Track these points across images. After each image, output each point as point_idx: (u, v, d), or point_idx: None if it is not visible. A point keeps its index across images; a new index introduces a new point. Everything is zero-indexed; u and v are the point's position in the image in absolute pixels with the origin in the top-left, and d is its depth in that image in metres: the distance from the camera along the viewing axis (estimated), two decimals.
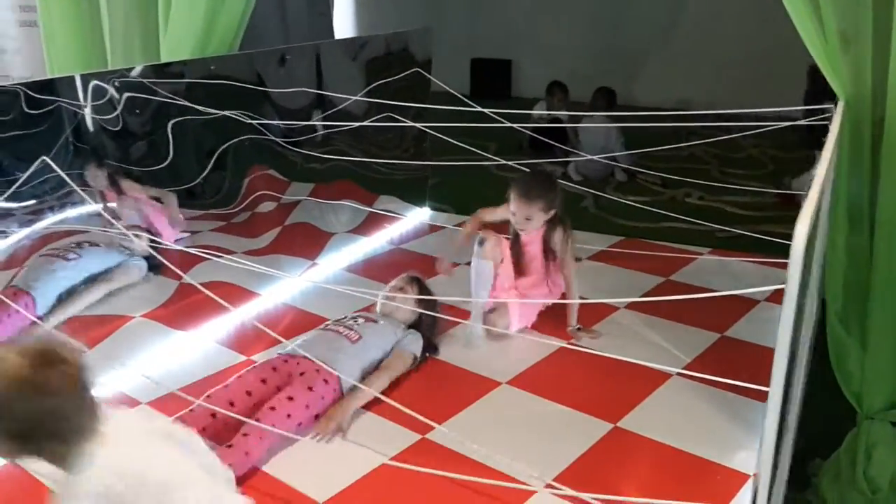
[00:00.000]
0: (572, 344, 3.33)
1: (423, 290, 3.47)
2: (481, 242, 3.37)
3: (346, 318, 3.23)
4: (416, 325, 3.32)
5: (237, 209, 5.04)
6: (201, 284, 3.80)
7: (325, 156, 4.43)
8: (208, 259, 3.64)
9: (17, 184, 2.95)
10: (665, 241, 4.59)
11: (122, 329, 3.62)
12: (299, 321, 3.65)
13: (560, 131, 6.51)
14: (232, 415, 2.68)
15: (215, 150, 4.06)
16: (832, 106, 2.85)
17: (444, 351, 3.36)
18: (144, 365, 3.32)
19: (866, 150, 2.72)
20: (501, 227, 3.62)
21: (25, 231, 3.98)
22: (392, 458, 2.63)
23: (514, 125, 4.91)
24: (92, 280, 3.59)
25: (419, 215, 5.09)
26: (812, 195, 1.53)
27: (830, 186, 2.44)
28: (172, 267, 3.44)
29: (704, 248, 4.45)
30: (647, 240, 4.65)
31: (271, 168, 5.60)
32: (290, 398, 2.72)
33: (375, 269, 4.30)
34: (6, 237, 3.69)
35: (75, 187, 3.03)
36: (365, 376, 2.98)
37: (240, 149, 4.77)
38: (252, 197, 5.13)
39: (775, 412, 1.44)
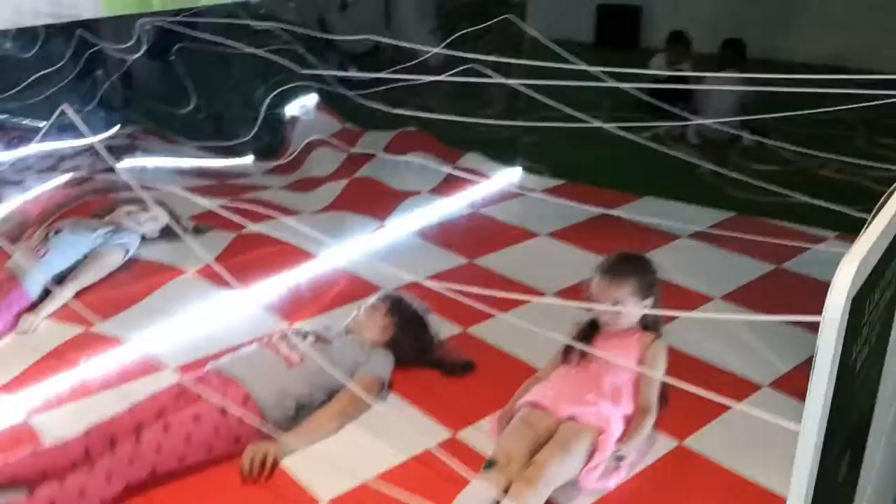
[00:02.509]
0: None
1: (404, 310, 2.91)
2: (489, 465, 2.22)
3: (297, 331, 2.78)
4: (394, 343, 2.83)
5: (299, 161, 4.87)
6: (257, 242, 3.66)
7: (403, 111, 4.07)
8: (267, 217, 3.47)
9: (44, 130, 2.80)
10: (786, 221, 3.98)
11: (172, 283, 3.50)
12: (351, 290, 3.39)
13: (681, 87, 5.84)
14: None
15: (275, 99, 3.83)
16: None
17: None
18: (186, 324, 3.17)
19: None
20: None
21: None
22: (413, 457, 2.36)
23: (620, 84, 4.36)
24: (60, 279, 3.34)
25: (508, 176, 4.67)
26: None
27: None
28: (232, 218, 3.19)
29: (831, 233, 3.80)
30: (764, 218, 4.05)
31: (340, 118, 5.42)
32: (197, 418, 2.38)
33: (450, 236, 3.96)
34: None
35: (94, 141, 2.84)
36: (307, 407, 2.55)
37: (299, 97, 4.67)
38: (318, 149, 4.94)
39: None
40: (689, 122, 5.59)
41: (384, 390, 2.68)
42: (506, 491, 2.09)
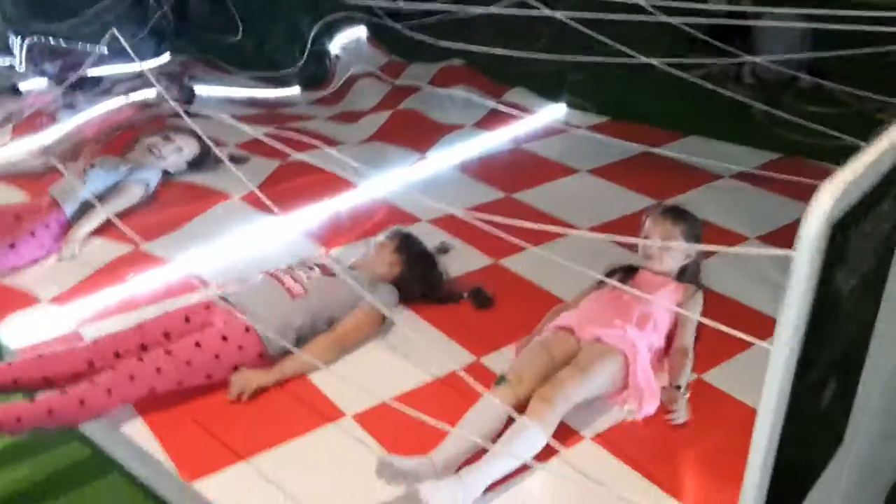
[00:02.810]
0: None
1: (412, 248, 2.93)
2: (500, 382, 2.30)
3: (302, 264, 2.80)
4: (401, 280, 2.86)
5: (343, 92, 4.89)
6: (300, 170, 3.74)
7: (450, 44, 4.04)
8: (311, 147, 3.52)
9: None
10: (837, 165, 3.87)
11: (217, 207, 3.61)
12: (389, 220, 3.45)
13: (738, 23, 5.63)
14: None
15: (323, 30, 3.84)
16: None
17: None
18: (228, 247, 3.28)
19: None
20: None
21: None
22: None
23: (673, 19, 4.23)
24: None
25: (552, 112, 4.63)
26: None
27: None
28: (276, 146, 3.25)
29: None
30: (815, 160, 3.94)
31: (386, 51, 5.39)
32: (198, 344, 2.45)
33: (490, 170, 3.98)
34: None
35: (145, 68, 2.90)
36: (308, 337, 2.62)
37: (346, 28, 4.64)
38: (362, 80, 4.94)
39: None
40: (740, 60, 5.42)
41: (385, 323, 2.70)
42: (516, 408, 2.15)
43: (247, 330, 2.51)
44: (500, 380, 2.27)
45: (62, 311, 2.85)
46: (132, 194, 3.52)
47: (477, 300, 2.89)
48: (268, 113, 4.75)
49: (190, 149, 3.78)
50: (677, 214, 2.63)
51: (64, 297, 2.93)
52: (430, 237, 3.28)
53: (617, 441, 2.23)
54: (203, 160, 3.82)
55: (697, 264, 2.67)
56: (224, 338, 2.49)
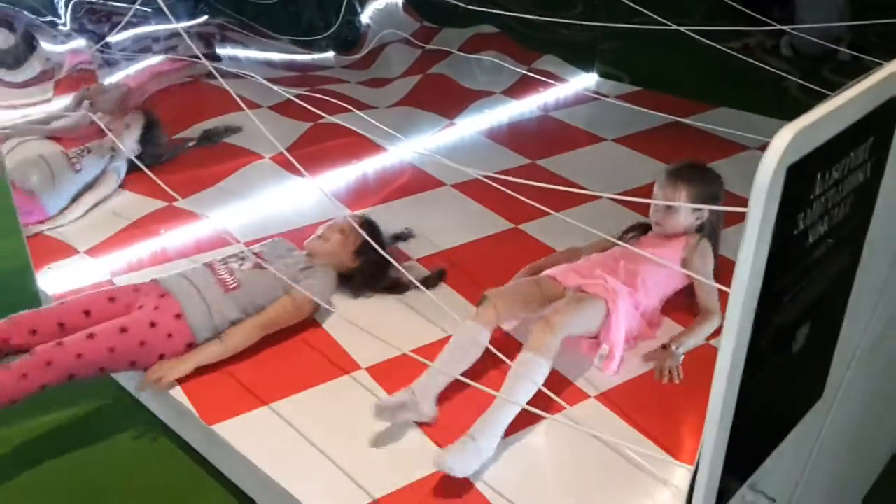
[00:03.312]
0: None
1: (371, 235, 2.62)
2: (482, 302, 2.37)
3: (235, 255, 2.66)
4: (357, 272, 2.73)
5: (374, 56, 4.92)
6: (330, 132, 3.81)
7: (482, 9, 4.05)
8: (342, 109, 3.58)
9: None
10: None
11: (249, 167, 3.71)
12: (414, 183, 3.53)
13: None
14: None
15: None
16: None
17: None
18: (259, 205, 3.39)
19: None
20: None
21: None
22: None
23: None
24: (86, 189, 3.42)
25: (583, 81, 4.63)
26: None
27: None
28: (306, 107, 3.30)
29: None
30: None
31: (418, 17, 5.39)
32: (123, 330, 2.33)
33: (516, 137, 4.02)
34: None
35: (182, 27, 2.96)
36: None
37: None
38: (393, 45, 4.97)
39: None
40: (767, 29, 5.33)
41: (317, 309, 2.60)
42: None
43: (177, 316, 2.41)
44: (483, 299, 2.35)
45: (97, 263, 2.99)
46: (106, 187, 3.48)
47: (430, 281, 2.80)
48: (301, 76, 4.82)
49: (136, 124, 3.65)
50: (682, 175, 2.55)
51: (99, 249, 3.07)
52: (452, 203, 3.37)
53: (620, 400, 2.29)
54: (151, 135, 3.67)
55: (713, 223, 2.60)
56: (153, 324, 2.37)
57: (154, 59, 4.34)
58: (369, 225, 2.76)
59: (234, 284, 2.52)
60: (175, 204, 3.38)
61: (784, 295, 1.09)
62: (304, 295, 2.49)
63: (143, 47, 4.31)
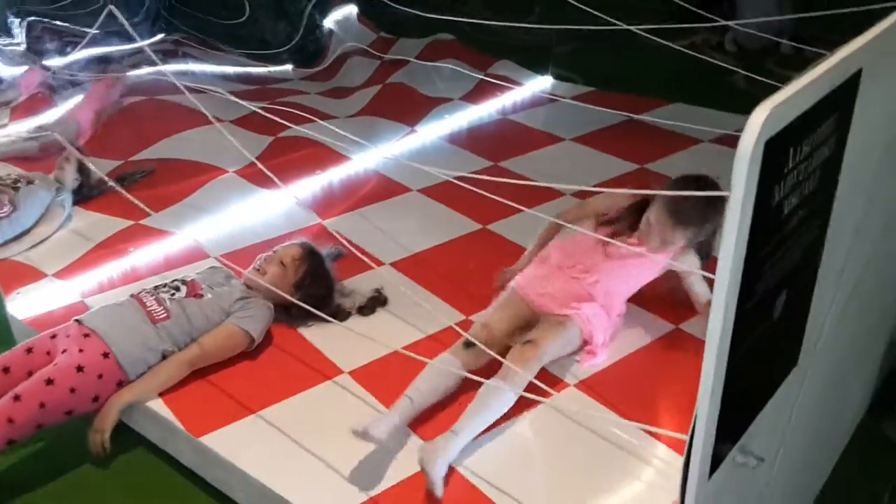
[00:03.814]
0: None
1: (314, 268, 2.66)
2: (468, 345, 2.31)
3: (166, 285, 2.57)
4: (291, 306, 2.56)
5: (334, 69, 4.96)
6: (293, 144, 3.84)
7: (438, 16, 4.12)
8: (304, 121, 3.60)
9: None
10: None
11: (214, 181, 3.71)
12: (380, 190, 3.57)
13: None
14: None
15: (315, 9, 3.89)
16: None
17: None
18: (227, 219, 3.39)
19: None
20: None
21: None
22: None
23: None
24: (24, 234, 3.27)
25: (539, 84, 4.73)
26: None
27: None
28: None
29: None
30: None
31: (375, 28, 5.45)
32: (50, 381, 2.23)
33: (477, 140, 4.09)
34: None
35: (142, 45, 2.98)
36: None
37: (337, 7, 4.66)
38: (352, 57, 5.02)
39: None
40: (711, 25, 5.48)
41: (252, 344, 2.51)
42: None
43: (105, 355, 2.32)
44: (467, 344, 2.31)
45: (66, 285, 2.96)
46: (57, 218, 3.39)
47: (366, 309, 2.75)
48: (261, 89, 4.83)
49: (72, 157, 3.53)
50: (680, 217, 2.34)
51: (67, 272, 3.04)
52: (420, 207, 3.42)
53: (599, 387, 2.35)
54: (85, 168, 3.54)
55: (710, 243, 2.49)
56: (79, 367, 2.27)
57: (107, 80, 4.30)
58: (312, 255, 2.69)
59: (164, 315, 2.45)
60: (142, 222, 3.36)
61: (764, 263, 1.16)
62: (237, 329, 2.45)
63: (100, 69, 4.28)
